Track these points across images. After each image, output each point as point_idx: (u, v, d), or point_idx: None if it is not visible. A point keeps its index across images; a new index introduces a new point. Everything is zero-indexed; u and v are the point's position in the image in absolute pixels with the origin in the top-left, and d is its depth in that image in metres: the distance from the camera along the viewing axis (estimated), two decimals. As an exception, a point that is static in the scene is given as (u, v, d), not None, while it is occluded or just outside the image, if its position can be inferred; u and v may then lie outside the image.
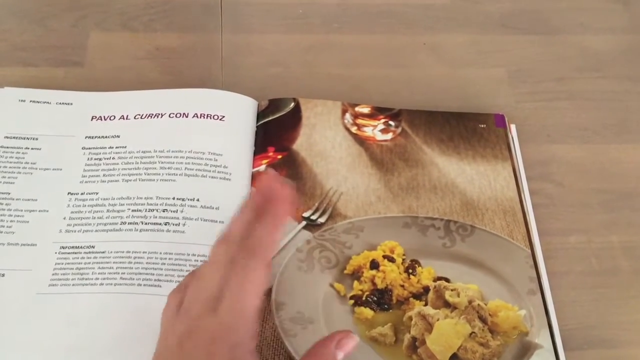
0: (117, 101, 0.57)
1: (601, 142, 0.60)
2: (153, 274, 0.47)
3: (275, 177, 0.43)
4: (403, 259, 0.50)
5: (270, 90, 0.59)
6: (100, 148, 0.54)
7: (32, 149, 0.54)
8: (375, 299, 0.48)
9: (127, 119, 0.56)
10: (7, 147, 0.53)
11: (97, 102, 0.57)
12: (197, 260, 0.48)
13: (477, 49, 0.66)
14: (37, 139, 0.54)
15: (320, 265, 0.50)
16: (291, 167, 0.55)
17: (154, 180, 0.52)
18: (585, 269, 0.52)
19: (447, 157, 0.57)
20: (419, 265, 0.50)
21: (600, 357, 0.48)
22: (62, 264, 0.48)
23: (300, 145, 0.56)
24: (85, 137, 0.54)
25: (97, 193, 0.51)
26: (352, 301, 0.48)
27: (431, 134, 0.58)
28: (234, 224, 0.38)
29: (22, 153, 0.53)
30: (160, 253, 0.48)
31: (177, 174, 0.52)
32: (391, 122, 0.59)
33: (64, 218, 0.50)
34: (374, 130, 0.58)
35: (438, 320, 0.46)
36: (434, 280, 0.49)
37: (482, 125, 0.59)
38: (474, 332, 0.46)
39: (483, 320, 0.47)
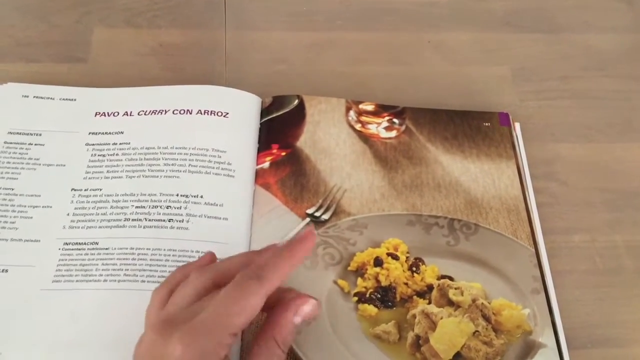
0: (121, 97, 0.57)
1: (605, 141, 0.60)
2: (157, 271, 0.47)
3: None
4: (407, 257, 0.50)
5: (274, 87, 0.59)
6: (104, 144, 0.54)
7: (35, 144, 0.53)
8: (379, 296, 0.48)
9: (130, 115, 0.56)
10: (11, 143, 0.53)
11: (101, 98, 0.57)
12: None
13: (481, 47, 0.65)
14: (40, 134, 0.54)
15: (324, 261, 0.50)
16: (295, 164, 0.55)
17: (157, 176, 0.52)
18: (589, 268, 0.52)
19: (451, 155, 0.56)
20: (423, 263, 0.50)
21: (604, 356, 0.48)
22: (66, 260, 0.48)
23: (304, 142, 0.56)
24: (89, 133, 0.54)
25: (100, 189, 0.51)
26: (355, 298, 0.48)
27: (435, 132, 0.58)
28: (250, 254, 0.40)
29: (26, 149, 0.53)
30: (164, 249, 0.48)
31: (180, 171, 0.52)
32: (395, 120, 0.59)
33: (68, 214, 0.50)
34: (378, 127, 0.58)
35: (442, 318, 0.46)
36: (438, 279, 0.49)
37: (487, 124, 0.58)
38: (477, 331, 0.46)
39: (487, 319, 0.47)
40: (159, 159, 0.53)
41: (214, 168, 0.52)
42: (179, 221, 0.50)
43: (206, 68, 0.61)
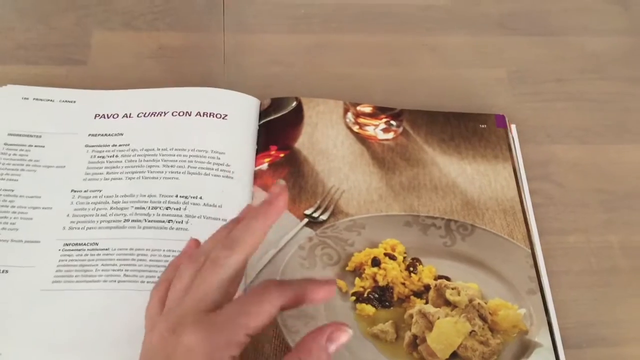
0: (121, 99, 0.57)
1: (601, 142, 0.60)
2: (156, 271, 0.47)
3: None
4: (404, 257, 0.51)
5: (272, 89, 0.60)
6: (104, 146, 0.54)
7: (35, 146, 0.54)
8: (376, 296, 0.48)
9: (130, 117, 0.56)
10: (11, 145, 0.54)
11: (101, 100, 0.57)
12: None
13: (477, 50, 0.66)
14: (40, 136, 0.54)
15: (322, 262, 0.50)
16: (293, 165, 0.55)
17: (157, 178, 0.52)
18: (584, 268, 0.53)
19: (448, 157, 0.57)
20: (420, 263, 0.50)
21: (599, 356, 0.48)
22: (66, 260, 0.48)
23: (302, 143, 0.57)
24: (89, 135, 0.55)
25: (100, 190, 0.51)
26: (353, 298, 0.49)
27: (432, 134, 0.58)
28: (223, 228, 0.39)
29: (26, 150, 0.53)
30: (164, 250, 0.48)
31: (180, 172, 0.52)
32: (393, 122, 0.59)
33: (68, 215, 0.50)
34: (376, 129, 0.59)
35: (438, 318, 0.46)
36: (435, 279, 0.49)
37: (483, 126, 0.59)
38: (474, 331, 0.46)
39: (483, 318, 0.47)
40: (159, 161, 0.53)
41: (212, 169, 0.53)
42: (179, 222, 0.50)
43: (205, 70, 0.61)
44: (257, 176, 0.54)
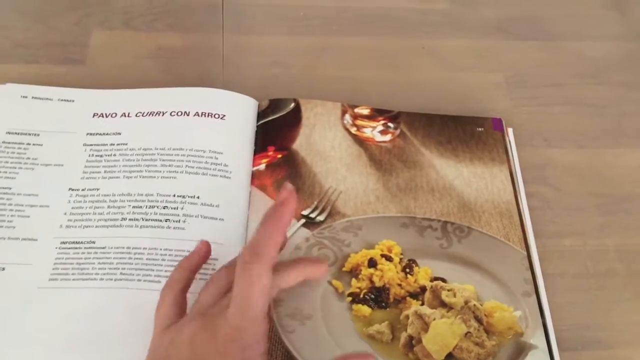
0: (119, 99, 0.57)
1: (597, 146, 0.60)
2: (153, 270, 0.47)
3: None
4: (400, 259, 0.51)
5: (270, 90, 0.60)
6: (102, 145, 0.54)
7: (33, 144, 0.54)
8: (372, 296, 0.49)
9: (128, 116, 0.56)
10: (9, 143, 0.54)
11: (99, 99, 0.57)
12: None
13: (475, 54, 0.66)
14: (38, 135, 0.54)
15: (318, 263, 0.50)
16: (291, 166, 0.55)
17: (154, 177, 0.52)
18: (580, 271, 0.53)
19: (445, 160, 0.57)
20: (416, 265, 0.51)
21: (594, 358, 0.49)
22: (63, 258, 0.48)
23: (300, 145, 0.57)
24: (87, 134, 0.55)
25: (98, 189, 0.51)
26: (350, 298, 0.49)
27: (429, 137, 0.58)
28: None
29: (24, 148, 0.53)
30: (161, 249, 0.49)
31: (177, 172, 0.52)
32: (390, 124, 0.59)
33: (65, 213, 0.50)
34: (373, 131, 0.59)
35: (434, 319, 0.46)
36: (431, 280, 0.49)
37: (480, 129, 0.59)
38: (469, 332, 0.46)
39: (479, 320, 0.47)
40: (156, 160, 0.53)
41: (210, 169, 0.53)
42: (176, 221, 0.50)
43: (203, 71, 0.62)
44: (255, 177, 0.54)
